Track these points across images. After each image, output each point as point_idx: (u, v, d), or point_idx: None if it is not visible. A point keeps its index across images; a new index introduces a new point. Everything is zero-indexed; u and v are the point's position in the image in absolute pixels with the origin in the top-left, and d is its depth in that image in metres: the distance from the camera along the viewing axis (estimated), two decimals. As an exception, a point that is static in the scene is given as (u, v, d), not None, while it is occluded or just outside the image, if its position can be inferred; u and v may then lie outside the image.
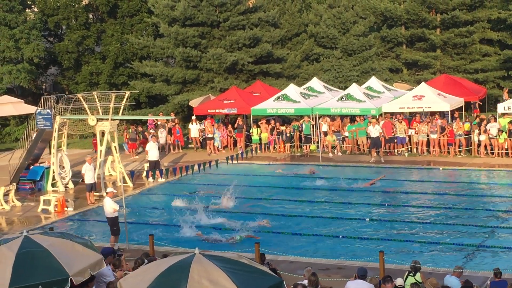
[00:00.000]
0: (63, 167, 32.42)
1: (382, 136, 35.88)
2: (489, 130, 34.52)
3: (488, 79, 52.07)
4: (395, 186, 30.07)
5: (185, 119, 46.79)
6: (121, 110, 32.12)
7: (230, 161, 34.10)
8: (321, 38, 52.58)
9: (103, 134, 31.60)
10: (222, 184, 30.33)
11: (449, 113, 37.74)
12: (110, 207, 22.30)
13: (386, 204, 26.77)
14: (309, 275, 14.66)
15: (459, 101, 39.61)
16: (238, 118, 40.89)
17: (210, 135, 39.42)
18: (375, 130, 35.61)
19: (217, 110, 41.33)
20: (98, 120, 31.47)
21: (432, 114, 38.01)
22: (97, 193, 29.82)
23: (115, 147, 32.15)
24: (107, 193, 23.06)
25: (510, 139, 34.02)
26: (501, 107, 36.38)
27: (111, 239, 22.26)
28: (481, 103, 44.56)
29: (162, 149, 39.15)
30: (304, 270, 15.78)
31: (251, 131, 39.70)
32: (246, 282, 9.86)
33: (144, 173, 33.35)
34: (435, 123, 35.76)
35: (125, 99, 31.88)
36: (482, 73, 52.14)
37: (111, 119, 31.32)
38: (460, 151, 35.36)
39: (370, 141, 36.16)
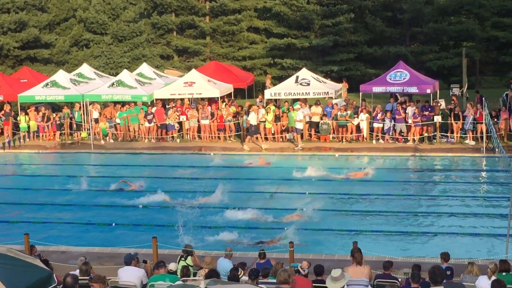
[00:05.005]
0: None
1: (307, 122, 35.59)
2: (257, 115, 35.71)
3: (256, 66, 53.98)
4: (168, 171, 30.33)
5: None
6: None
7: (-4, 151, 32.72)
8: (90, 24, 51.73)
9: None
10: None
11: (219, 99, 38.56)
12: None
13: (158, 191, 26.82)
14: (81, 264, 14.45)
15: (228, 88, 40.63)
16: (5, 105, 39.18)
17: (-26, 124, 37.48)
18: (299, 115, 34.61)
19: (-20, 97, 39.40)
20: None
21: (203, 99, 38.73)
22: None
23: None
24: None
25: (276, 124, 35.42)
26: (268, 93, 37.81)
27: None
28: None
29: None
30: (78, 260, 15.52)
31: (18, 118, 38.20)
32: (11, 277, 9.51)
33: None
34: (205, 109, 36.42)
35: None
36: (250, 60, 53.98)
37: None
38: (230, 136, 36.30)
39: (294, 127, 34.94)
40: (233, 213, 23.16)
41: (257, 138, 34.78)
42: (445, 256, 15.51)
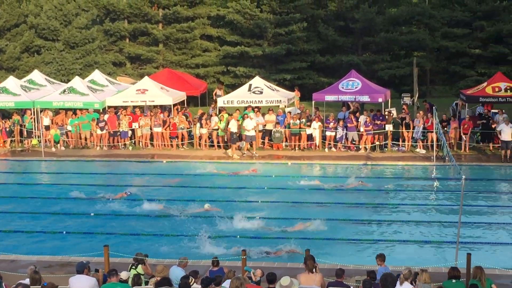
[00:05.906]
0: None
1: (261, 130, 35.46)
2: (210, 123, 35.69)
3: (209, 74, 53.95)
4: (120, 180, 30.12)
5: None
6: None
7: None
8: (42, 30, 51.19)
9: None
10: None
11: (172, 106, 38.42)
12: None
13: (111, 198, 26.61)
14: (32, 273, 14.27)
15: (181, 95, 40.55)
16: (-47, 112, 38.56)
17: None
18: (251, 123, 34.30)
19: None
20: None
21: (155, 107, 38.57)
22: None
23: None
24: None
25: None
26: (221, 101, 37.82)
27: None
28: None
29: None
30: (27, 268, 15.33)
31: (-33, 125, 37.61)
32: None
33: None
34: (158, 117, 36.27)
35: None
36: (203, 68, 53.95)
37: None
38: (182, 144, 36.18)
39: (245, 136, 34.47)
40: (191, 221, 23.10)
41: (239, 147, 34.76)
42: (382, 257, 15.78)
